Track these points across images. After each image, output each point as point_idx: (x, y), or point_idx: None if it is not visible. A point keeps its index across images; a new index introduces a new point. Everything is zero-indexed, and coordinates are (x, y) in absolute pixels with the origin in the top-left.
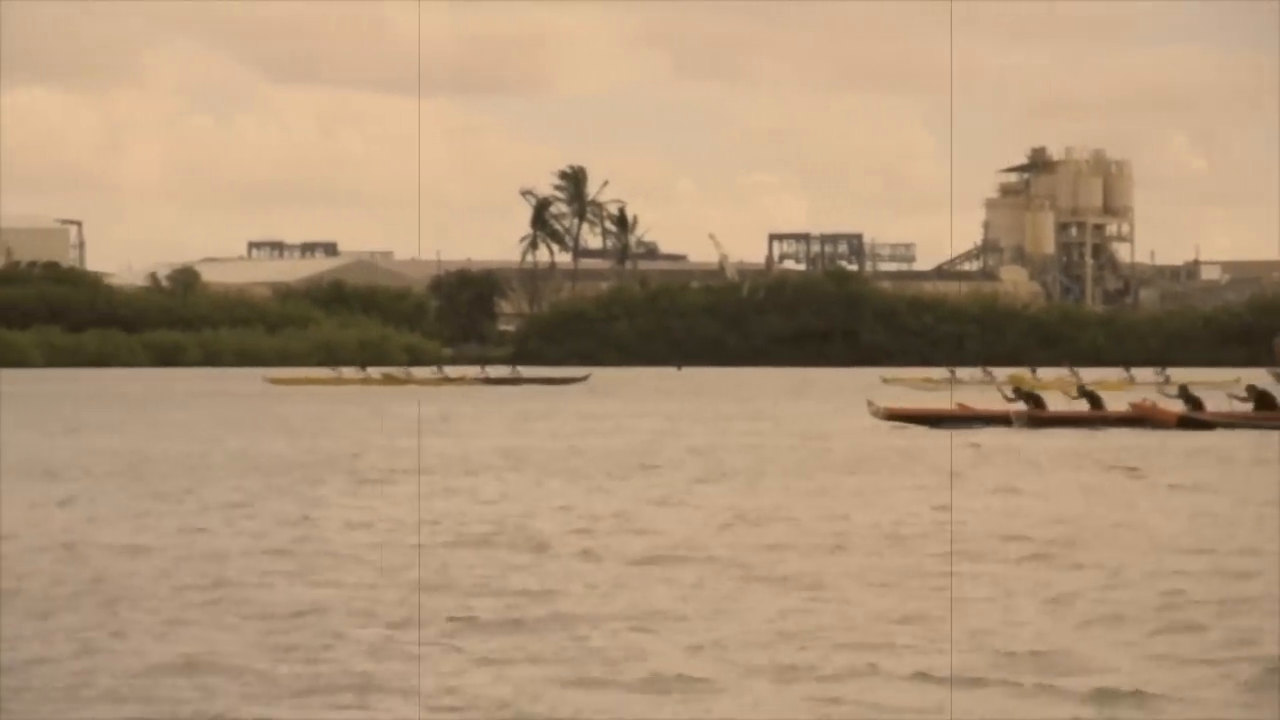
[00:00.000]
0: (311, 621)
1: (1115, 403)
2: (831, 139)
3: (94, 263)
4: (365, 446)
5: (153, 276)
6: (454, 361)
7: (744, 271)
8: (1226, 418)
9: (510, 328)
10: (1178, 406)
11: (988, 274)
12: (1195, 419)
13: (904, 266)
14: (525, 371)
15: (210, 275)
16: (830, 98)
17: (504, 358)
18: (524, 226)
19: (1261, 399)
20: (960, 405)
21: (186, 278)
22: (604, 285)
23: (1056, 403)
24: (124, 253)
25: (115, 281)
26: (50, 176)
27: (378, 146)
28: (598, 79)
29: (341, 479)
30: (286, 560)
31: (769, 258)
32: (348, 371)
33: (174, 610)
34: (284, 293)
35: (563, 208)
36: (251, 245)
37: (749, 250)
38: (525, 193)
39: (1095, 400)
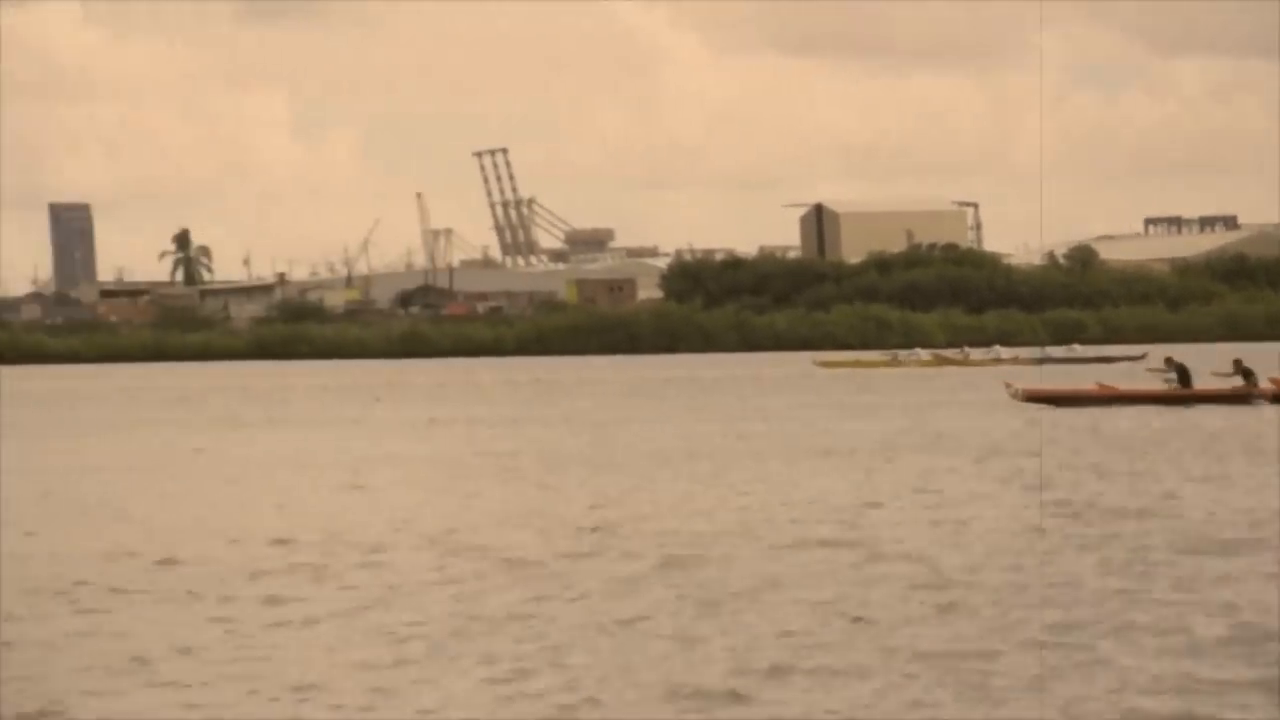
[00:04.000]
0: None
1: None
2: None
3: (991, 243)
4: None
5: (1050, 255)
6: None
7: None
8: None
9: None
10: None
11: None
12: None
13: None
14: (1083, 351)
15: (1107, 252)
16: None
17: None
18: None
19: None
20: (1099, 385)
21: (1084, 255)
22: None
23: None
24: (1019, 232)
25: (1013, 261)
26: (947, 159)
27: (1276, 114)
28: None
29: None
30: None
31: None
32: (902, 354)
33: None
34: (1182, 268)
35: None
36: (1148, 221)
37: None
38: None
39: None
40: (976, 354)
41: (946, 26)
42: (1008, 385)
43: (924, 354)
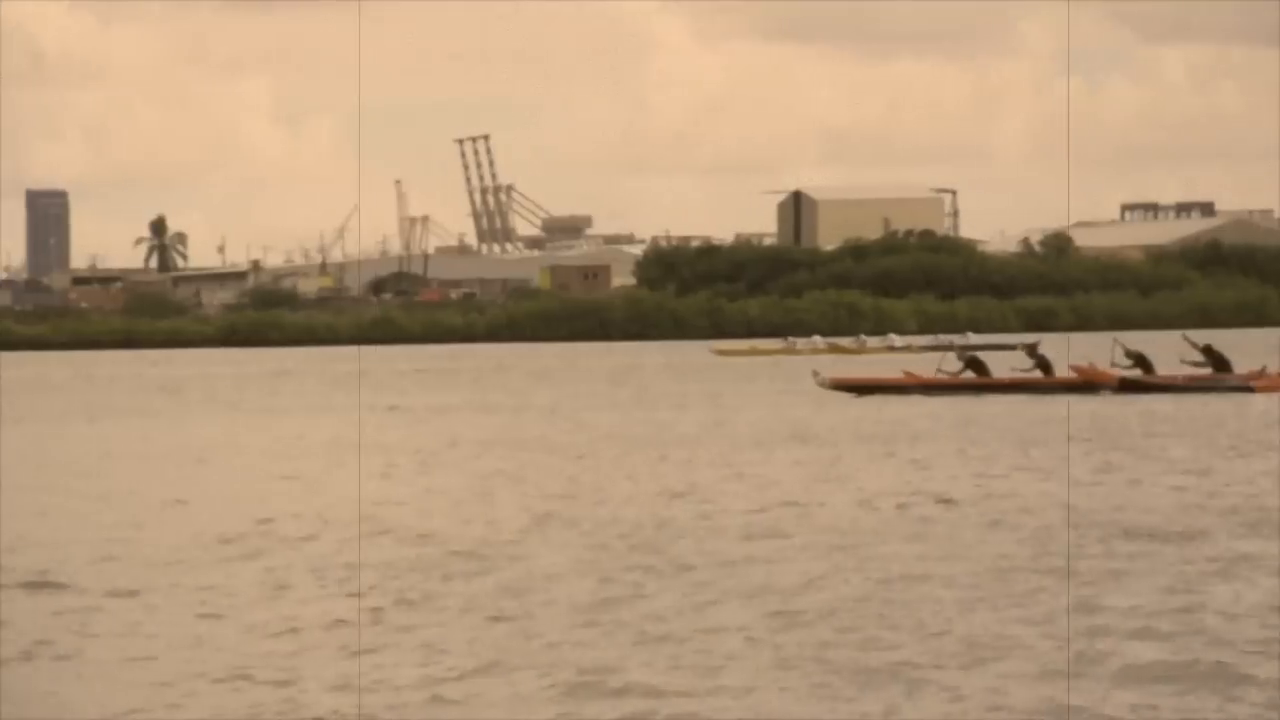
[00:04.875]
0: None
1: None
2: None
3: (967, 230)
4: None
5: (1025, 242)
6: None
7: None
8: (1179, 380)
9: None
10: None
11: None
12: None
13: None
14: (977, 339)
15: (1082, 239)
16: None
17: None
18: None
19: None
20: (907, 374)
21: (1059, 243)
22: None
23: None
24: (996, 219)
25: (989, 248)
26: (926, 145)
27: (1256, 101)
28: None
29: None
30: None
31: None
32: (800, 343)
33: None
34: (1157, 255)
35: None
36: (1124, 208)
37: None
38: None
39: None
40: (873, 342)
41: (929, 11)
42: (815, 374)
43: (820, 342)
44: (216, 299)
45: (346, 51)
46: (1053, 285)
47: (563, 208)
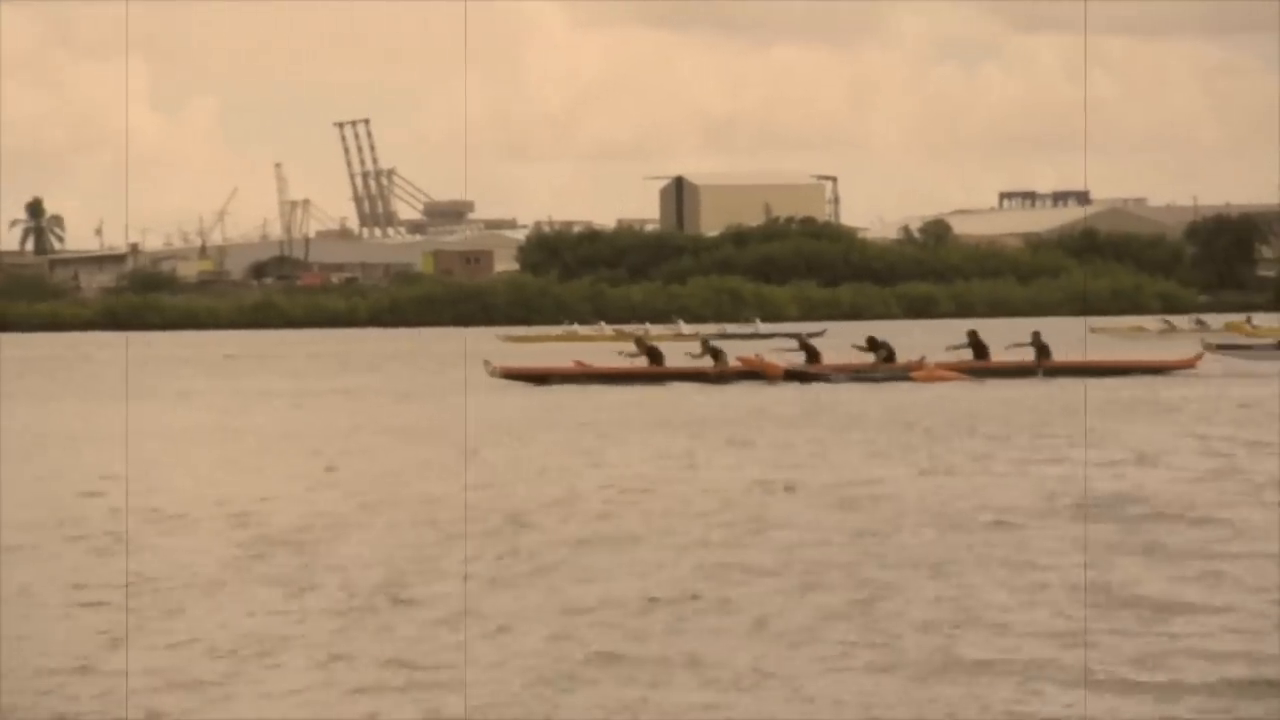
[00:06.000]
0: None
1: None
2: None
3: (848, 217)
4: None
5: (905, 229)
6: (1209, 309)
7: None
8: (839, 370)
9: (1271, 273)
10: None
11: None
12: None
13: None
14: (765, 328)
15: (961, 227)
16: None
17: (1264, 305)
18: None
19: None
20: (577, 363)
21: (938, 230)
22: None
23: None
24: (876, 207)
25: (868, 235)
26: (806, 133)
27: (1129, 91)
28: None
29: None
30: None
31: None
32: (583, 329)
33: None
34: (1035, 243)
35: None
36: (1003, 196)
37: None
38: None
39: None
40: (657, 329)
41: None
42: (486, 363)
43: (607, 328)
44: (95, 282)
45: (223, 34)
46: (932, 272)
47: (444, 193)
